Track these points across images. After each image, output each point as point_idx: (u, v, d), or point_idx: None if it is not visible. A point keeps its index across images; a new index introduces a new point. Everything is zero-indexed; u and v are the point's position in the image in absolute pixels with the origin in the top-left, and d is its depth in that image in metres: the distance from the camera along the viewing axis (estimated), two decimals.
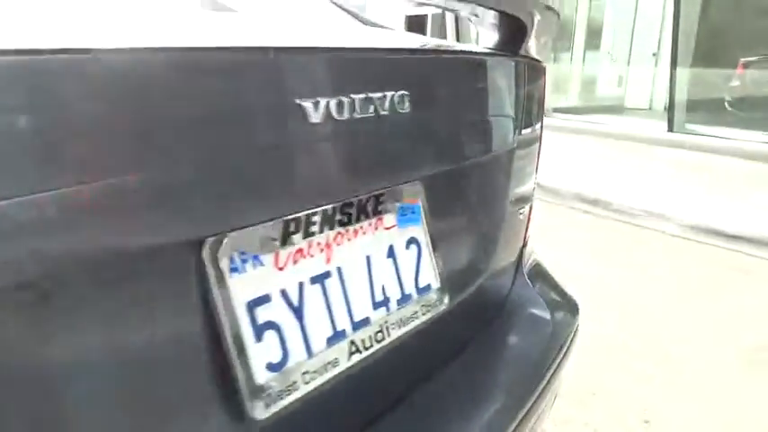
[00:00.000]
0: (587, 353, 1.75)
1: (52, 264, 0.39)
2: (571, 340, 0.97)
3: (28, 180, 0.37)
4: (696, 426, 1.66)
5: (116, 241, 0.43)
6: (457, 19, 7.18)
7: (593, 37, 9.45)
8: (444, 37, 7.52)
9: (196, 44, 0.50)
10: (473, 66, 0.77)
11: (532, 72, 0.91)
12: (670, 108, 5.62)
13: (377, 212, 0.66)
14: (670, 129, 5.48)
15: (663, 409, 1.73)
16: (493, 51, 0.85)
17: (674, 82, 5.63)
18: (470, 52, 0.83)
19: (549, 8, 0.86)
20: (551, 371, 0.88)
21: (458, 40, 7.16)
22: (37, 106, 0.37)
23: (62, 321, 0.41)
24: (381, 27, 1.20)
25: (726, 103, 6.74)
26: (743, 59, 6.68)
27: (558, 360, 0.91)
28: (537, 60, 0.93)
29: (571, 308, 1.05)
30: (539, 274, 1.10)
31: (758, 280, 2.66)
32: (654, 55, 9.25)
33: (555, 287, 1.10)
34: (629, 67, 9.89)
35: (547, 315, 1.00)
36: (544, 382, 0.85)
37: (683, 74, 5.80)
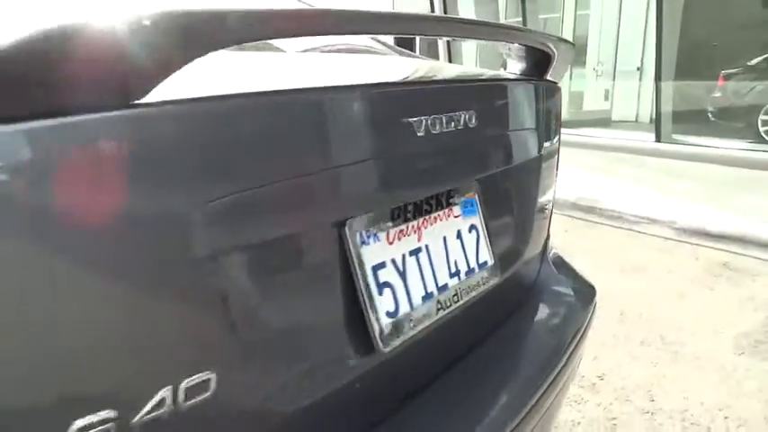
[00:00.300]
0: (593, 343, 1.94)
1: (263, 235, 0.59)
2: (592, 313, 1.17)
3: (253, 179, 0.56)
4: (696, 399, 1.85)
5: (299, 221, 0.62)
6: (449, 42, 7.46)
7: (580, 53, 9.76)
8: (436, 57, 7.76)
9: (338, 83, 0.70)
10: (513, 89, 0.98)
11: (553, 93, 1.12)
12: (657, 119, 5.89)
13: (449, 204, 0.86)
14: (657, 139, 5.75)
15: (666, 388, 1.92)
16: (525, 77, 1.06)
17: (660, 95, 5.91)
18: (511, 79, 1.03)
19: (565, 41, 1.07)
20: (578, 336, 1.08)
21: (450, 60, 7.44)
22: (256, 135, 0.57)
23: (266, 275, 0.61)
24: (413, 55, 1.41)
25: (709, 114, 7.04)
26: (723, 72, 7.01)
27: (582, 328, 1.10)
28: (555, 83, 1.14)
29: (589, 288, 1.25)
30: (559, 262, 1.30)
31: (744, 275, 2.88)
32: (638, 69, 9.59)
33: (573, 272, 1.30)
34: (614, 82, 10.23)
35: (570, 292, 1.20)
36: (574, 343, 1.05)
37: (668, 87, 6.08)
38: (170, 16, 0.45)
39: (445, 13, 7.56)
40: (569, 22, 9.57)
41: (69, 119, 0.41)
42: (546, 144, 1.11)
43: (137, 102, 0.45)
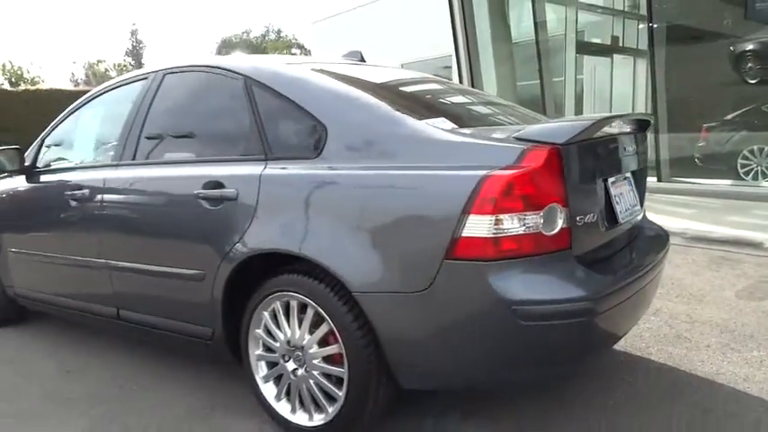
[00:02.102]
0: None
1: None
2: (668, 241, 2.47)
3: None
4: (714, 318, 3.12)
5: (603, 175, 1.96)
6: (471, 66, 9.01)
7: (579, 108, 11.26)
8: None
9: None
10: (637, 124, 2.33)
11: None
12: (657, 164, 7.34)
13: (626, 178, 2.20)
14: (659, 179, 7.21)
15: (698, 314, 3.20)
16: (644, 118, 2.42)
17: (658, 144, 7.39)
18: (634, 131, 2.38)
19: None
20: (667, 247, 2.38)
21: (473, 85, 8.93)
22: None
23: (588, 189, 1.93)
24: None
25: (696, 159, 8.53)
26: (705, 125, 8.54)
27: (665, 248, 2.40)
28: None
29: (664, 231, 2.56)
30: (646, 216, 2.61)
31: (738, 263, 4.20)
32: None
33: (653, 222, 2.61)
34: None
35: (659, 229, 2.52)
36: (666, 249, 2.36)
37: (663, 138, 7.57)
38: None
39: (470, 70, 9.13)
40: (571, 80, 11.09)
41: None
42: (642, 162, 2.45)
43: None
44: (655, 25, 7.68)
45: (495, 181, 1.65)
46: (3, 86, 25.54)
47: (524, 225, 1.67)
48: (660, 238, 2.42)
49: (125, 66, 53.14)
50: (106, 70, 52.57)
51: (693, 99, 8.70)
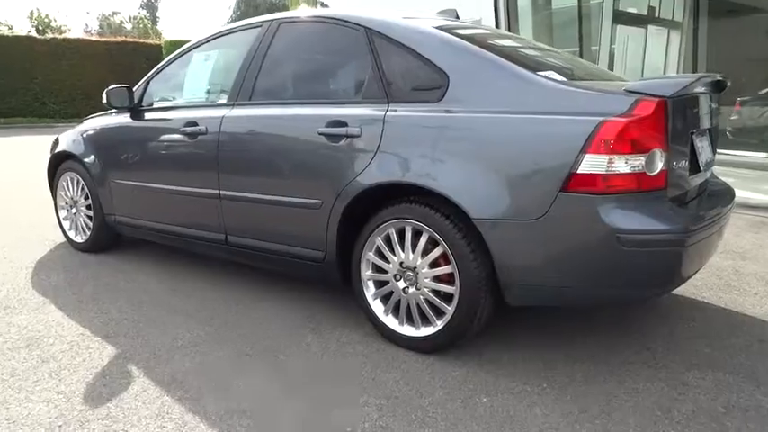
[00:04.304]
0: None
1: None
2: (734, 197, 2.73)
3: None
4: (759, 272, 3.40)
5: (688, 130, 2.21)
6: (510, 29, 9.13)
7: None
8: None
9: None
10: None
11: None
12: None
13: (705, 133, 2.45)
14: None
15: (742, 270, 3.48)
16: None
17: None
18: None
19: None
20: (731, 203, 2.64)
21: None
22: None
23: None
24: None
25: (727, 133, 8.70)
26: (739, 99, 8.68)
27: (732, 202, 2.66)
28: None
29: (731, 188, 2.81)
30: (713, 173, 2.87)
31: None
32: None
33: (720, 179, 2.87)
34: None
35: (726, 185, 2.78)
36: (733, 201, 2.62)
37: None
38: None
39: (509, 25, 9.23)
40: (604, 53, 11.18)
41: None
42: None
43: None
44: None
45: (610, 126, 1.91)
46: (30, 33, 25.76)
47: (631, 165, 1.94)
48: (728, 193, 2.68)
49: (141, 18, 52.76)
50: (121, 22, 52.25)
51: (728, 72, 8.80)
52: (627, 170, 1.94)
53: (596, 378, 2.17)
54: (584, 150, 1.93)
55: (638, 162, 1.94)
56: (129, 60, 18.77)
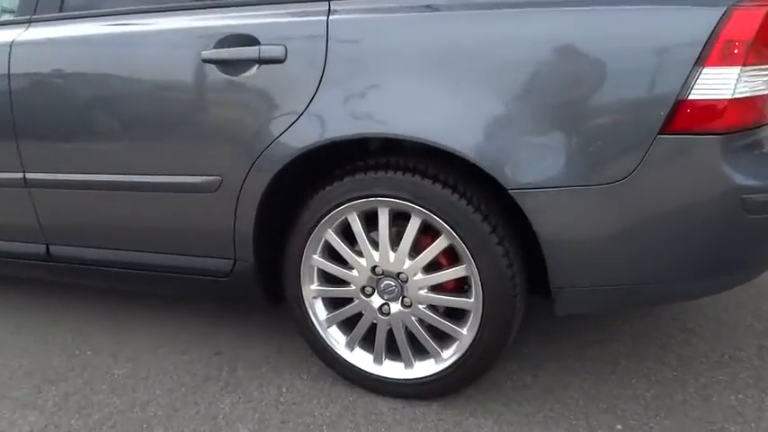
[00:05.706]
0: None
1: None
2: None
3: None
4: None
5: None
6: None
7: None
8: None
9: None
10: None
11: None
12: None
13: None
14: None
15: None
16: None
17: None
18: None
19: None
20: None
21: None
22: None
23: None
24: None
25: None
26: None
27: None
28: None
29: None
30: None
31: None
32: None
33: None
34: None
35: None
36: None
37: None
38: None
39: None
40: None
41: None
42: None
43: None
44: None
45: (742, 17, 1.14)
46: None
47: None
48: None
49: None
50: None
51: None
52: (765, 92, 1.20)
53: None
54: (700, 62, 1.15)
55: None
56: None
